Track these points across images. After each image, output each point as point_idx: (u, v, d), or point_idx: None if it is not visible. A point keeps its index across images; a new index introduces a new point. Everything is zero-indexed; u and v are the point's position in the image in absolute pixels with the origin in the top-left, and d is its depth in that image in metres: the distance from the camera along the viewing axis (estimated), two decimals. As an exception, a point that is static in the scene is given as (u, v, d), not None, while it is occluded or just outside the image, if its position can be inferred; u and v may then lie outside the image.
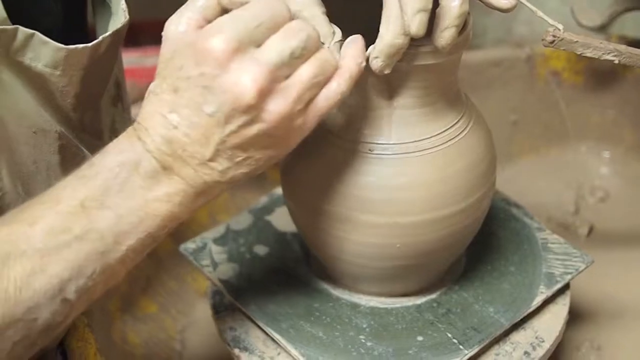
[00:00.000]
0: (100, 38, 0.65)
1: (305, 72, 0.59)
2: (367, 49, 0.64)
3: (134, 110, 0.87)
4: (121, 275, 0.61)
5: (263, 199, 0.93)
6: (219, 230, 0.88)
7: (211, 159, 0.59)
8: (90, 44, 0.65)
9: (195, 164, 0.59)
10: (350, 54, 0.62)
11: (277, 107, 0.57)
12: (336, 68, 0.61)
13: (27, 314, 0.55)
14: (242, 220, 0.89)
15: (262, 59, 0.57)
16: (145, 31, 1.39)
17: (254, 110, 0.57)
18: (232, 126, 0.58)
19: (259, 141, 0.59)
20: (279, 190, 0.89)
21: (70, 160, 0.68)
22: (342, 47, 0.63)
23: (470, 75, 1.17)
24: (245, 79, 0.56)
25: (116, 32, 0.67)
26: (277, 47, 0.57)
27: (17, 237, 0.56)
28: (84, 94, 0.67)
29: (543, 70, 1.21)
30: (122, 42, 0.71)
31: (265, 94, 0.57)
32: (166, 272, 1.01)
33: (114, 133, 0.75)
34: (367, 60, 0.64)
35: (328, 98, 0.60)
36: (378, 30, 0.63)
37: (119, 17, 0.68)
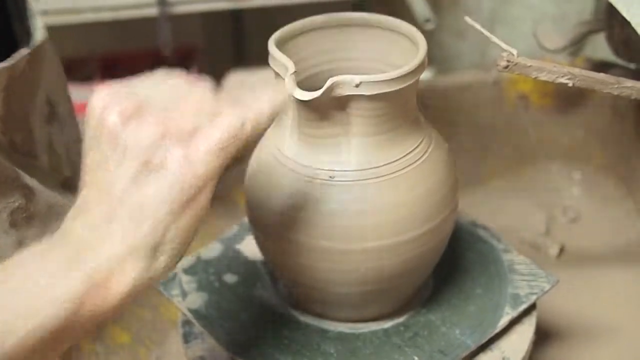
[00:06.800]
0: (14, 57, 0.65)
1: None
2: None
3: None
4: None
5: (234, 228, 0.93)
6: (189, 259, 0.89)
7: (110, 218, 0.53)
8: (5, 64, 0.64)
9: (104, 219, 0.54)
10: (263, 93, 0.58)
11: (114, 114, 0.53)
12: (218, 101, 0.56)
13: None
14: (212, 250, 0.90)
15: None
16: (121, 63, 1.40)
17: (100, 121, 0.53)
18: (97, 155, 0.54)
19: (126, 169, 0.53)
20: (248, 218, 0.90)
21: (3, 182, 0.67)
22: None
23: (440, 100, 1.19)
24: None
25: (34, 51, 0.67)
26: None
27: None
28: (9, 115, 0.67)
29: (511, 94, 1.22)
30: (45, 60, 0.69)
31: (106, 105, 0.53)
32: (139, 302, 1.00)
33: (52, 152, 0.73)
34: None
35: (222, 130, 0.54)
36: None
37: (37, 36, 0.69)
